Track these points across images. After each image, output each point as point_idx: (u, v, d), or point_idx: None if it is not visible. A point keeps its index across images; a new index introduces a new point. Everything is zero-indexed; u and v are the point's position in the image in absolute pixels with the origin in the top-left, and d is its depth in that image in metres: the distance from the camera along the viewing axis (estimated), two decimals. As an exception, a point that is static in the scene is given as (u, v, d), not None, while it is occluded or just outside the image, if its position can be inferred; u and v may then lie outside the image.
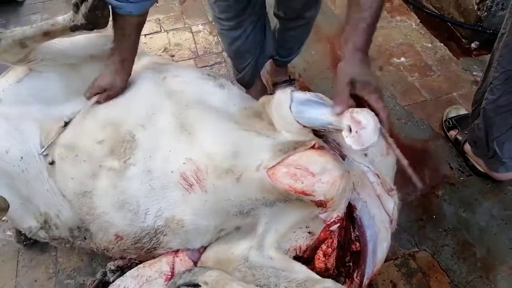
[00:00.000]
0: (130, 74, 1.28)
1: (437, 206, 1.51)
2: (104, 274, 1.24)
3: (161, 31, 2.37)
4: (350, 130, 0.84)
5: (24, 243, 1.44)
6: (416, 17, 2.41)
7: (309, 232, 1.02)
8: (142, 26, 1.25)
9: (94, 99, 1.26)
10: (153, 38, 2.31)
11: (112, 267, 1.22)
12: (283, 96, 1.02)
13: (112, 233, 1.17)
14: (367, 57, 0.94)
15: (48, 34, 1.20)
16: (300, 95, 1.00)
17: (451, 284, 1.32)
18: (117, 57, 1.23)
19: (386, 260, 1.22)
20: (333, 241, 0.99)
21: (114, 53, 1.24)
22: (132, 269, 1.15)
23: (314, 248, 1.03)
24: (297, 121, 0.98)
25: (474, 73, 2.06)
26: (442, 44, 2.24)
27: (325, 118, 0.92)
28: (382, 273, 1.35)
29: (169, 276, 1.09)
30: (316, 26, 2.25)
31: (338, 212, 0.96)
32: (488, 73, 1.36)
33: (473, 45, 2.21)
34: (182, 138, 1.11)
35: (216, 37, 2.30)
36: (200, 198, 1.04)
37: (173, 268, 1.11)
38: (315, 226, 1.01)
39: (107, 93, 1.24)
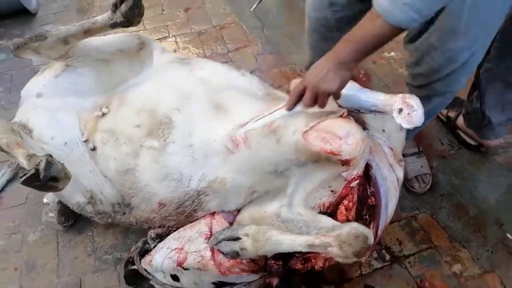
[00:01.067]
0: None
1: (433, 175, 1.71)
2: (145, 242, 1.39)
3: (169, 36, 2.55)
4: (399, 111, 1.03)
5: (64, 224, 1.59)
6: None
7: (331, 191, 1.19)
8: None
9: None
10: (162, 43, 2.49)
11: (153, 235, 1.37)
12: None
13: (156, 201, 1.32)
14: (330, 60, 1.04)
15: (88, 32, 1.36)
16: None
17: (449, 238, 1.51)
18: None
19: (391, 222, 1.40)
20: (353, 196, 1.17)
21: None
22: (173, 233, 1.31)
23: (336, 205, 1.20)
24: (336, 102, 1.16)
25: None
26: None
27: (372, 100, 1.11)
28: (389, 233, 1.53)
29: (208, 235, 1.25)
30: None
31: (357, 170, 1.13)
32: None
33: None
34: (220, 115, 1.28)
35: (218, 41, 2.48)
36: (242, 156, 1.20)
37: (211, 229, 1.27)
38: (337, 185, 1.18)
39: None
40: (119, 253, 1.56)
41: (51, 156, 1.03)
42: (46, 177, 0.96)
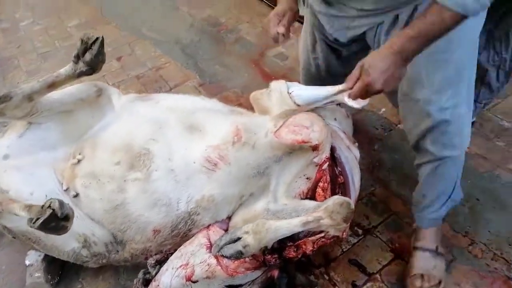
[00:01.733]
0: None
1: (377, 155, 1.99)
2: (145, 272, 1.44)
3: (108, 84, 2.61)
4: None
5: (51, 282, 1.56)
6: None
7: (307, 178, 1.38)
8: None
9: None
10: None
11: (152, 262, 1.43)
12: (279, 85, 1.41)
13: (150, 229, 1.39)
14: (395, 58, 1.04)
15: (53, 85, 1.43)
16: (294, 83, 1.42)
17: (404, 203, 1.77)
18: None
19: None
20: (326, 177, 1.37)
21: None
22: (174, 253, 1.38)
23: (313, 189, 1.39)
24: (294, 102, 1.37)
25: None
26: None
27: (324, 93, 1.33)
28: (356, 211, 1.73)
29: (209, 245, 1.35)
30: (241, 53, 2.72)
31: (325, 153, 1.34)
32: None
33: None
34: (195, 136, 1.42)
35: (158, 81, 2.62)
36: (224, 171, 1.34)
37: (209, 239, 1.37)
38: (311, 172, 1.37)
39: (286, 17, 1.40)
40: (115, 296, 1.57)
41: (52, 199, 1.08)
42: (63, 215, 1.01)
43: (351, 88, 1.15)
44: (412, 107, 1.30)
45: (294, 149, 1.33)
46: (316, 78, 1.68)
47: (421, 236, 1.53)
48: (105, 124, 1.59)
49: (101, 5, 3.57)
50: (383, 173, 1.92)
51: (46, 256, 1.54)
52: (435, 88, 1.22)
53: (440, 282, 1.45)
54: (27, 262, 1.53)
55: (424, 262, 1.48)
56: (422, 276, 1.46)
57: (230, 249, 1.25)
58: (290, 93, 1.40)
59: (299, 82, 1.61)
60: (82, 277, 1.63)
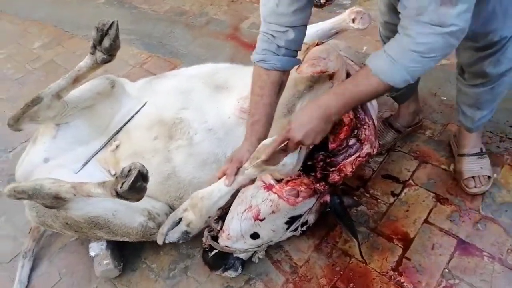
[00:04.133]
0: (262, 139, 1.21)
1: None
2: (210, 229, 1.52)
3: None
4: (353, 21, 1.38)
5: (119, 267, 1.61)
6: None
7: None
8: (282, 89, 1.26)
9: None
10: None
11: (214, 219, 1.51)
12: None
13: (206, 188, 1.48)
14: (318, 112, 1.08)
15: (77, 80, 1.48)
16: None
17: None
18: (249, 119, 1.24)
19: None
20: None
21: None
22: (234, 201, 1.48)
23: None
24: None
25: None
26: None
27: (329, 25, 1.48)
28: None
29: (265, 185, 1.45)
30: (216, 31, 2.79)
31: (342, 78, 1.48)
32: None
33: None
34: (223, 94, 1.51)
35: (147, 76, 2.65)
36: None
37: (263, 180, 1.47)
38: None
39: (232, 160, 1.20)
40: (182, 264, 1.65)
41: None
42: (147, 172, 1.09)
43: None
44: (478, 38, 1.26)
45: (314, 82, 1.46)
46: None
47: (466, 142, 1.66)
48: (126, 112, 1.65)
49: (58, 23, 3.51)
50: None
51: (108, 244, 1.59)
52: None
53: (489, 178, 1.63)
54: (92, 254, 1.57)
55: (472, 166, 1.63)
56: (473, 178, 1.62)
57: (175, 233, 1.23)
58: None
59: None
60: (144, 257, 1.69)
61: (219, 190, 1.19)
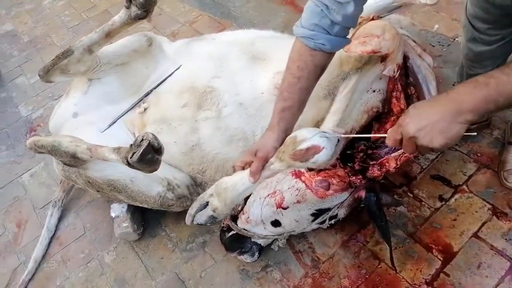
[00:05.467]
0: (289, 129, 1.07)
1: (439, 74, 1.88)
2: (231, 209, 1.44)
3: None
4: None
5: (138, 232, 1.59)
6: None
7: (373, 91, 1.32)
8: (323, 72, 1.06)
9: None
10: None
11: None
12: None
13: (230, 166, 1.38)
14: (454, 119, 0.78)
15: (109, 34, 1.41)
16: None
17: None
18: (279, 102, 1.07)
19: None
20: (398, 85, 1.30)
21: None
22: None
23: (388, 101, 1.33)
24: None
25: None
26: None
27: None
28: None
29: (293, 172, 1.32)
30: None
31: (398, 61, 1.27)
32: None
33: None
34: (259, 66, 1.36)
35: (195, 35, 2.55)
36: None
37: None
38: (379, 85, 1.31)
39: (257, 155, 1.04)
40: (201, 238, 1.59)
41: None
42: (158, 145, 1.00)
43: None
44: None
45: (363, 63, 1.25)
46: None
47: None
48: (161, 73, 1.57)
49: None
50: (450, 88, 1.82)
51: (129, 207, 1.57)
52: None
53: None
54: (112, 214, 1.56)
55: None
56: None
57: (202, 216, 1.16)
58: None
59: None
60: (164, 225, 1.65)
61: (243, 183, 1.07)
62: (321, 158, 0.97)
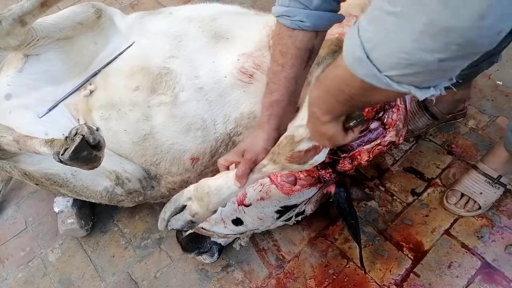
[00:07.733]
0: (282, 127, 0.93)
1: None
2: (188, 204, 1.30)
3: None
4: None
5: (86, 228, 1.43)
6: None
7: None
8: (312, 57, 0.91)
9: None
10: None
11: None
12: None
13: (187, 158, 1.24)
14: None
15: (45, 4, 1.19)
16: None
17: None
18: (266, 96, 0.94)
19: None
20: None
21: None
22: (219, 178, 1.24)
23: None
24: None
25: None
26: None
27: None
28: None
29: (257, 166, 1.19)
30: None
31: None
32: None
33: None
34: (221, 46, 1.21)
35: (156, 8, 2.33)
36: (263, 82, 1.13)
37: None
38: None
39: (244, 157, 0.92)
40: (157, 234, 1.45)
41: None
42: (95, 141, 0.84)
43: None
44: None
45: (340, 46, 1.13)
46: None
47: (491, 158, 1.31)
48: (112, 50, 1.38)
49: None
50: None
51: (75, 201, 1.40)
52: None
53: (479, 209, 1.32)
54: (56, 209, 1.39)
55: (473, 184, 1.32)
56: (462, 195, 1.33)
57: (179, 221, 1.03)
58: None
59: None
60: (117, 219, 1.51)
61: (228, 187, 0.94)
62: (321, 158, 0.85)
